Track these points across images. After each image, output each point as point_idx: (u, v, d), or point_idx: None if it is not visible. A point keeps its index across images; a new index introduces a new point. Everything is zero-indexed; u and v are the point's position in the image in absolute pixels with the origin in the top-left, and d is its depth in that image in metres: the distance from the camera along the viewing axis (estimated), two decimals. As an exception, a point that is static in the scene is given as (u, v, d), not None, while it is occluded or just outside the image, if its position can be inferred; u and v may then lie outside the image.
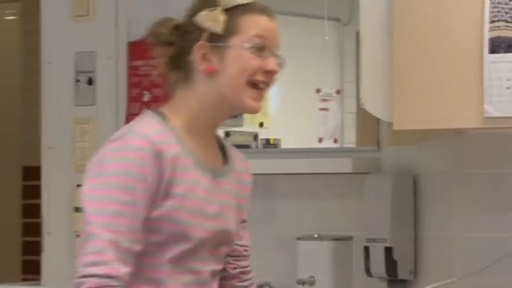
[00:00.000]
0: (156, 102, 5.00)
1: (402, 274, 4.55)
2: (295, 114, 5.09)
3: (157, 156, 2.71)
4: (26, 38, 7.38)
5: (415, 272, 4.59)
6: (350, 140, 5.01)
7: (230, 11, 2.83)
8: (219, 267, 3.03)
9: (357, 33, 4.52)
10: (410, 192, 4.67)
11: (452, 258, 4.52)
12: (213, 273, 3.00)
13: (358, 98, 4.51)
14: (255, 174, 3.14)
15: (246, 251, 3.26)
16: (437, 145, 4.52)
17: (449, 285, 4.38)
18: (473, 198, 4.51)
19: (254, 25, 2.87)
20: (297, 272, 4.93)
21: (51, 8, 5.51)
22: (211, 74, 2.79)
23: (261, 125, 5.21)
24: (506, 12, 3.98)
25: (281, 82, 4.26)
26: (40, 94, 5.60)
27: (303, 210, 5.08)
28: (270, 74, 2.87)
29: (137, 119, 2.83)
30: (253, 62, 2.83)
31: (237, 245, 3.17)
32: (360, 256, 4.60)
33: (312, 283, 4.87)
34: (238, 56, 2.83)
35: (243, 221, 3.14)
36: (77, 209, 5.22)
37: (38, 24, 5.66)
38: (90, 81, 5.34)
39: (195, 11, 2.85)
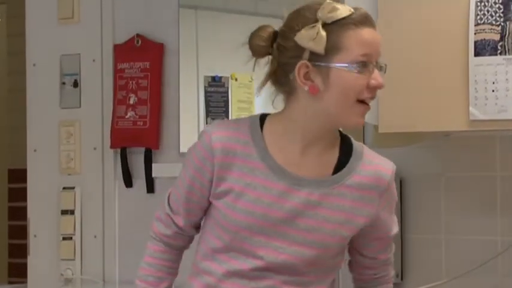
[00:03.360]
0: (141, 105, 5.11)
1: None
2: None
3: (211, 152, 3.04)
4: (11, 40, 7.44)
5: (402, 274, 4.61)
6: None
7: (330, 26, 2.89)
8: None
9: None
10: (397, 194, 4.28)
11: (440, 261, 4.54)
12: None
13: None
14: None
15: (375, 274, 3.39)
16: (423, 147, 4.55)
17: None
18: (460, 200, 4.54)
19: (357, 42, 2.93)
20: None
21: (36, 11, 5.50)
22: (315, 94, 2.88)
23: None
24: (492, 15, 4.03)
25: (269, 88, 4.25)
26: (25, 96, 5.53)
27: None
28: (375, 88, 2.95)
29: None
30: (360, 82, 2.90)
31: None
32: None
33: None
34: (344, 77, 2.91)
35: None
36: (63, 212, 5.35)
37: (23, 26, 5.61)
38: (75, 84, 5.29)
39: (293, 27, 2.91)
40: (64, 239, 5.42)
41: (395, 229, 3.31)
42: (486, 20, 4.08)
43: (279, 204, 2.98)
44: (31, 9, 5.51)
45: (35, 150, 5.51)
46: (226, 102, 5.44)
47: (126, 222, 5.21)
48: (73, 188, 5.44)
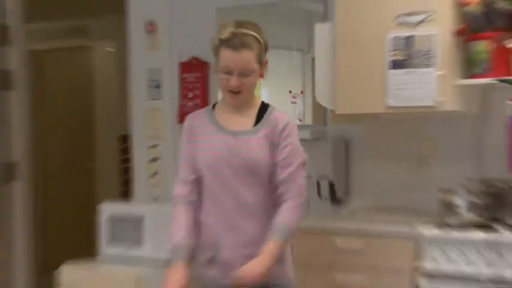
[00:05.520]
0: (196, 98, 5.44)
1: (339, 195, 4.80)
2: (277, 106, 4.68)
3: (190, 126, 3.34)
4: (120, 61, 6.91)
5: (347, 194, 4.83)
6: (309, 120, 5.08)
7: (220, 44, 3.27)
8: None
9: (313, 58, 4.62)
10: (343, 151, 4.86)
11: (371, 188, 4.76)
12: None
13: (313, 96, 4.73)
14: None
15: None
16: (361, 124, 4.72)
17: (369, 201, 4.72)
18: (381, 156, 4.74)
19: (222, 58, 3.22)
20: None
21: (135, 43, 5.72)
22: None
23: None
24: (401, 45, 4.13)
25: (270, 87, 4.99)
26: (130, 95, 5.81)
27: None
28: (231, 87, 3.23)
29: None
30: (223, 82, 3.21)
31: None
32: (314, 187, 4.79)
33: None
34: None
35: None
36: (151, 160, 5.61)
37: (127, 53, 5.81)
38: (158, 86, 5.62)
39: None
40: (152, 175, 5.65)
41: (284, 154, 3.21)
42: (397, 47, 4.14)
43: (223, 145, 3.22)
44: (133, 43, 5.73)
45: (135, 125, 5.79)
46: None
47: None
48: (156, 145, 5.61)
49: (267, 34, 4.83)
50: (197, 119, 3.37)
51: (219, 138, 3.27)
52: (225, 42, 3.16)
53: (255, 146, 3.26)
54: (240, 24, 3.19)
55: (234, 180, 3.22)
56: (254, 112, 3.31)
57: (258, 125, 3.28)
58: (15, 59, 6.21)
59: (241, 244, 3.19)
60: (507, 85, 3.54)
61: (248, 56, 3.16)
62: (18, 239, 6.23)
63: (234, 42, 3.14)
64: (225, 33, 3.15)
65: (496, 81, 3.46)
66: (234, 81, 3.16)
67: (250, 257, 3.06)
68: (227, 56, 3.16)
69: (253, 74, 3.20)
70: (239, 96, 3.23)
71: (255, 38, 3.19)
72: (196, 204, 3.26)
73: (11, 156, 6.19)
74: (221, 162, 3.23)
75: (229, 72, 3.16)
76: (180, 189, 3.28)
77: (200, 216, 3.24)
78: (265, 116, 3.31)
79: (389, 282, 4.01)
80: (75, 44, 8.70)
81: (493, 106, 3.60)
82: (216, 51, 3.22)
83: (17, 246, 6.20)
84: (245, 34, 3.16)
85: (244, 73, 3.16)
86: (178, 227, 3.18)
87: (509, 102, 3.37)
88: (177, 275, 3.04)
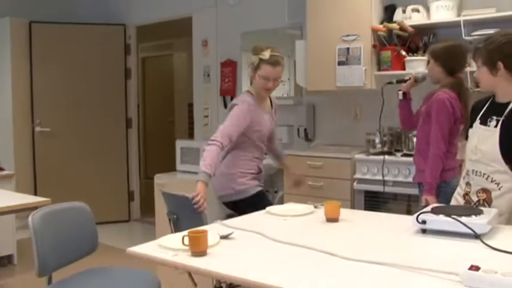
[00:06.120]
0: (228, 83, 5.28)
1: (309, 136, 4.70)
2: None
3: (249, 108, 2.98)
4: (188, 63, 6.70)
5: (313, 136, 4.76)
6: (292, 94, 4.84)
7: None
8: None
9: (295, 61, 4.59)
10: (312, 111, 4.74)
11: (327, 132, 4.69)
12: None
13: (295, 80, 4.64)
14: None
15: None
16: (322, 95, 4.63)
17: (326, 140, 4.70)
18: (333, 114, 4.70)
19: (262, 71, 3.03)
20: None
21: (196, 52, 5.61)
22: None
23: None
24: (343, 52, 4.10)
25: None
26: (193, 80, 5.69)
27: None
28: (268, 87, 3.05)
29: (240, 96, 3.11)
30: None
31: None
32: (296, 131, 4.79)
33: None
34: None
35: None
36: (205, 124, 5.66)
37: (192, 57, 5.68)
38: (208, 75, 5.50)
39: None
40: (204, 125, 5.55)
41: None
42: (341, 53, 4.11)
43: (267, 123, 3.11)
44: (195, 52, 5.63)
45: (196, 97, 5.66)
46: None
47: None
48: (207, 108, 5.55)
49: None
50: (252, 106, 2.98)
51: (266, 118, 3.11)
52: (265, 61, 2.97)
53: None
54: (272, 49, 3.00)
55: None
56: (268, 101, 3.21)
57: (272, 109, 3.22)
58: (132, 62, 6.38)
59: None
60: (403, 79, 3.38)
61: (280, 70, 3.03)
62: (132, 160, 6.46)
63: (272, 60, 2.98)
64: (266, 55, 2.96)
65: (392, 81, 3.34)
66: (271, 85, 3.02)
67: None
68: (267, 69, 2.98)
69: (279, 80, 3.08)
70: (270, 92, 3.09)
71: (282, 58, 3.05)
72: (223, 153, 2.95)
73: (128, 114, 6.32)
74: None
75: (267, 79, 2.99)
76: (223, 139, 2.82)
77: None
78: (273, 100, 3.23)
79: (338, 186, 3.94)
80: (164, 53, 8.79)
81: (392, 87, 3.34)
82: (258, 65, 2.99)
83: (132, 164, 6.43)
84: (278, 56, 3.00)
85: (276, 80, 3.03)
86: (210, 158, 2.73)
87: (399, 92, 3.23)
88: (201, 187, 2.63)
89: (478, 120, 2.37)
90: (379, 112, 3.47)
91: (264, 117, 3.09)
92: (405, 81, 3.32)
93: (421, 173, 3.03)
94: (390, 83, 3.38)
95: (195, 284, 2.64)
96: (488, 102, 2.37)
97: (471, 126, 2.42)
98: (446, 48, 3.02)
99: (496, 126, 2.26)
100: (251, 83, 3.17)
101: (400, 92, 3.30)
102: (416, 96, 3.36)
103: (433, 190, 2.88)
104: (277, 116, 3.29)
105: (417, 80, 3.29)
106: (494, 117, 2.28)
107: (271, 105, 3.23)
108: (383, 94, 3.36)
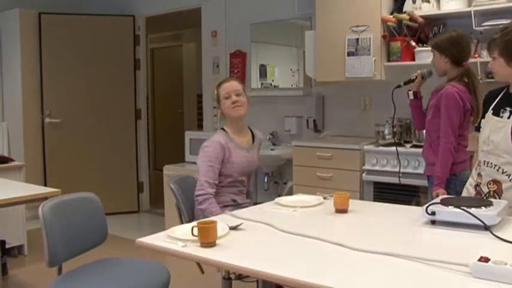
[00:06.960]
0: (237, 73, 5.28)
1: (318, 127, 4.71)
2: (284, 78, 4.91)
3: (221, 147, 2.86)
4: (197, 53, 6.98)
5: (322, 127, 4.76)
6: (301, 84, 4.83)
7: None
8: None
9: (304, 51, 4.63)
10: (321, 102, 4.76)
11: (336, 123, 4.70)
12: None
13: (304, 71, 4.64)
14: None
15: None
16: (331, 86, 4.65)
17: (335, 131, 4.71)
18: (342, 105, 4.69)
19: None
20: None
21: (205, 42, 5.60)
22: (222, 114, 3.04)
23: (272, 80, 5.04)
24: (352, 43, 4.10)
25: (279, 67, 4.82)
26: (202, 71, 5.70)
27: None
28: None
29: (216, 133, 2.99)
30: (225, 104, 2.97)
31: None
32: (305, 122, 4.79)
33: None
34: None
35: None
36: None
37: (201, 48, 5.70)
38: (217, 66, 5.50)
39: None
40: (213, 116, 5.51)
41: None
42: (351, 44, 4.12)
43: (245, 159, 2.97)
44: (204, 42, 5.63)
45: (205, 87, 5.68)
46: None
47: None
48: (216, 107, 5.12)
49: (280, 39, 5.03)
50: (223, 143, 2.87)
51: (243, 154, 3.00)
52: (220, 84, 3.00)
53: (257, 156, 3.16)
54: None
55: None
56: (249, 136, 3.09)
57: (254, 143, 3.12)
58: (141, 53, 6.37)
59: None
60: (413, 69, 3.38)
61: (236, 83, 2.99)
62: (142, 151, 6.43)
63: (224, 79, 3.08)
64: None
65: (400, 84, 3.23)
66: (235, 98, 2.94)
67: None
68: (224, 87, 2.97)
69: (242, 95, 2.97)
70: (240, 109, 2.95)
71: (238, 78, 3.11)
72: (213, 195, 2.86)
73: (137, 105, 6.31)
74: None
75: (228, 96, 2.94)
76: (210, 188, 2.76)
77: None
78: (255, 133, 3.13)
79: (347, 177, 3.95)
80: (173, 44, 8.80)
81: (401, 78, 3.33)
82: (217, 92, 2.99)
83: (141, 155, 6.40)
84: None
85: (238, 94, 2.95)
86: (216, 213, 2.61)
87: (409, 92, 3.18)
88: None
89: (490, 111, 2.36)
90: (389, 104, 3.36)
91: (238, 153, 2.97)
92: (412, 80, 3.27)
93: (430, 166, 3.02)
94: (398, 86, 3.31)
95: (202, 272, 2.66)
96: (502, 93, 2.36)
97: (483, 117, 2.40)
98: (449, 39, 2.98)
99: (509, 117, 2.25)
100: (223, 117, 3.12)
101: (410, 92, 3.26)
102: (423, 93, 3.28)
103: (443, 184, 2.86)
104: (259, 151, 3.17)
105: (424, 77, 3.25)
106: (508, 109, 2.27)
107: (254, 140, 3.11)
108: (393, 98, 3.24)
